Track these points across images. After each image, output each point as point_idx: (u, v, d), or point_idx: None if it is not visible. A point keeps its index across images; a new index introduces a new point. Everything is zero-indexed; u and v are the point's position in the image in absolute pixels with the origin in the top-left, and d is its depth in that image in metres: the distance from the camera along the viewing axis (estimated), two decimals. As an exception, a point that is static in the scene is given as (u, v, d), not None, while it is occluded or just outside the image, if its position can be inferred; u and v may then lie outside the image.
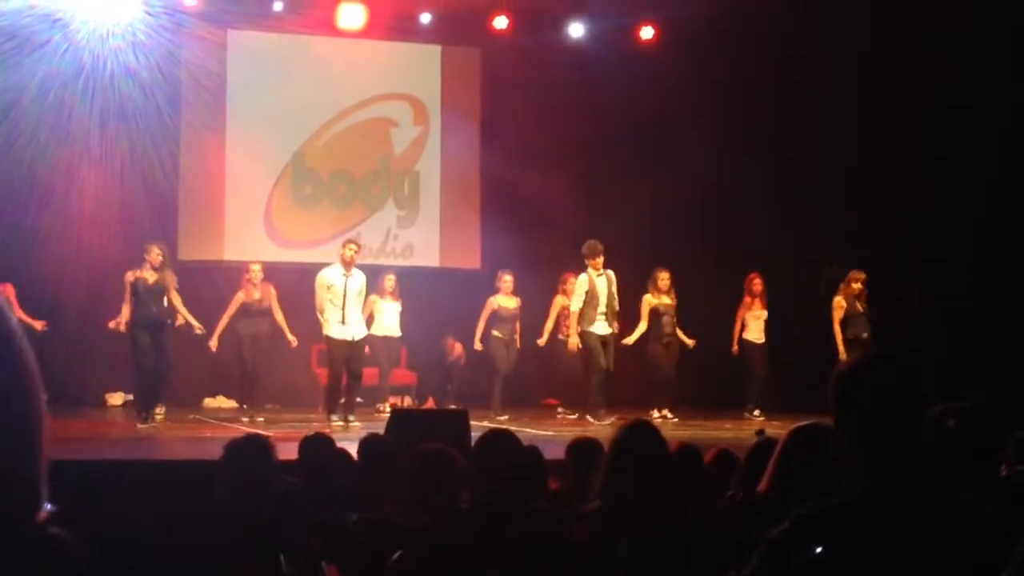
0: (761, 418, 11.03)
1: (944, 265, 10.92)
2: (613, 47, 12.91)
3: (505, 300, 11.45)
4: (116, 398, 11.73)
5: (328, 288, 10.11)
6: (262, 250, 12.02)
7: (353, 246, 10.29)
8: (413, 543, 3.39)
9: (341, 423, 9.76)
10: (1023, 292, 10.41)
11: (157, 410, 10.12)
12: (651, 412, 10.73)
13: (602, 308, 10.48)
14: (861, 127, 11.91)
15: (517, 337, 11.53)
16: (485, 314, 11.45)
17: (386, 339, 11.50)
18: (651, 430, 3.27)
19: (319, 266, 10.60)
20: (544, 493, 3.96)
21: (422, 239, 13.31)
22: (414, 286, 12.23)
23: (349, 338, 10.08)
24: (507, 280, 11.45)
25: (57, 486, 1.36)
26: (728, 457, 4.11)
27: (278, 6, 12.41)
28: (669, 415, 10.89)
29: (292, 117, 12.99)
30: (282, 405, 11.58)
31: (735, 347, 11.50)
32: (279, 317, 10.71)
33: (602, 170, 13.22)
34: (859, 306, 10.55)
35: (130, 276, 9.89)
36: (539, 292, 11.54)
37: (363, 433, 5.72)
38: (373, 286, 11.10)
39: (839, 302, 10.53)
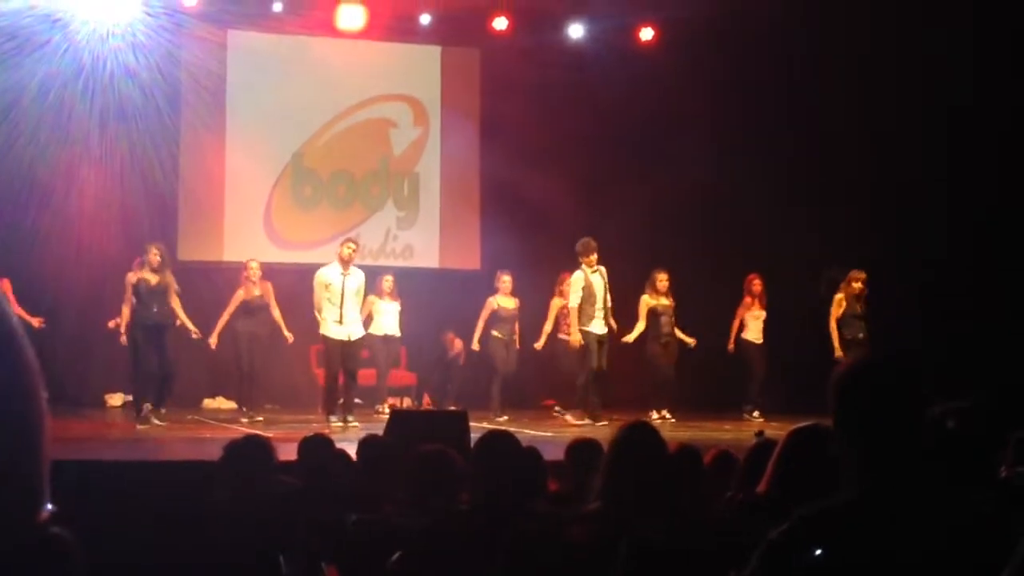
0: (760, 419, 11.05)
1: (944, 265, 10.92)
2: (613, 48, 12.91)
3: (504, 300, 11.45)
4: (115, 399, 11.73)
5: (326, 287, 10.11)
6: (262, 251, 12.02)
7: (351, 244, 10.28)
8: (412, 544, 3.39)
9: (340, 424, 9.75)
10: (1023, 292, 10.41)
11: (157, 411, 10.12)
12: (650, 413, 10.74)
13: (599, 305, 10.48)
14: (861, 127, 11.91)
15: (516, 338, 11.52)
16: (484, 314, 11.43)
17: (385, 339, 11.50)
18: (650, 431, 3.27)
19: (318, 267, 10.59)
20: (543, 494, 3.96)
21: (422, 240, 13.30)
22: (414, 287, 12.24)
23: (345, 337, 10.07)
24: (506, 281, 11.44)
25: (57, 487, 1.36)
26: (728, 458, 4.11)
27: (278, 7, 12.41)
28: (668, 416, 10.89)
29: (292, 118, 12.99)
30: (281, 406, 11.58)
31: (731, 345, 11.51)
32: (276, 314, 10.71)
33: (602, 171, 13.22)
34: (858, 307, 10.56)
35: (132, 277, 9.88)
36: (538, 293, 11.54)
37: (362, 434, 5.72)
38: (372, 287, 11.10)
39: (839, 300, 10.55)
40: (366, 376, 11.27)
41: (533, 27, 12.94)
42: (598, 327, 10.48)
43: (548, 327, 11.35)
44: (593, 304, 10.46)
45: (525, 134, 12.62)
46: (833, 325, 10.53)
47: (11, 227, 11.11)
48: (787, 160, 12.42)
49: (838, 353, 10.37)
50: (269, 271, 11.08)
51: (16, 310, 9.38)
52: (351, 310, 10.17)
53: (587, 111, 13.00)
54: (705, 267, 12.35)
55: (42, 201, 11.48)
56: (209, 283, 11.64)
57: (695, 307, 11.54)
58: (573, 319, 10.47)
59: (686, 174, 12.03)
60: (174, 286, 9.98)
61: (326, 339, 10.17)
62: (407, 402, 12.18)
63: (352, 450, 5.10)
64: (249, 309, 10.67)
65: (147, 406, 9.86)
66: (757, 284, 11.58)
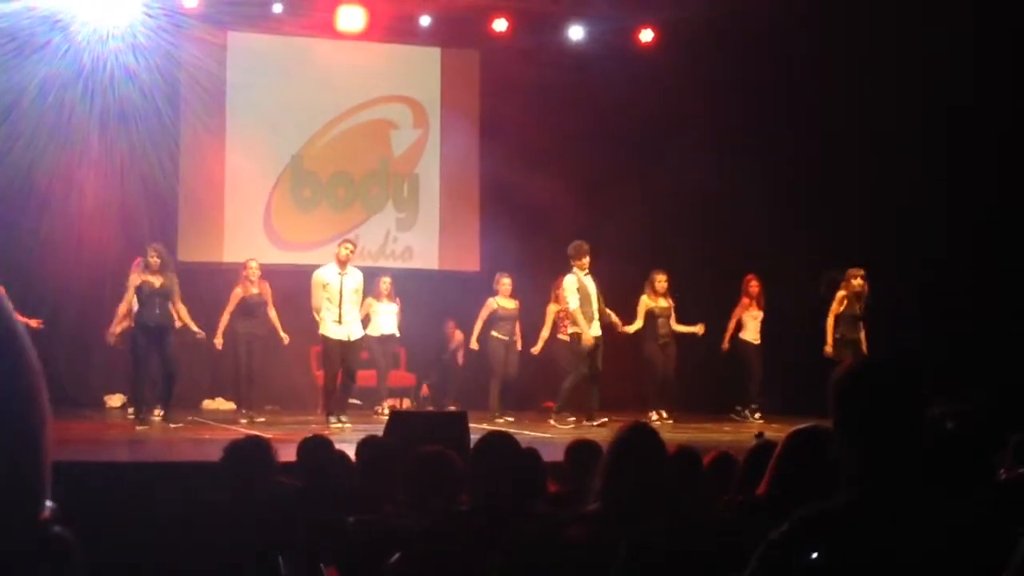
0: (760, 420, 11.05)
1: (944, 265, 10.91)
2: (612, 49, 12.90)
3: (505, 301, 11.45)
4: (115, 399, 11.72)
5: (324, 287, 10.13)
6: (261, 252, 12.01)
7: (349, 245, 10.31)
8: (412, 545, 3.39)
9: (339, 424, 9.76)
10: (1023, 292, 10.40)
11: (156, 412, 10.13)
12: (649, 414, 10.74)
13: (594, 307, 10.50)
14: (861, 127, 11.91)
15: (516, 339, 11.52)
16: (483, 314, 11.43)
17: (383, 341, 11.50)
18: (650, 432, 3.27)
19: (318, 268, 10.60)
20: (543, 495, 3.96)
21: (421, 241, 13.30)
22: (413, 288, 12.24)
23: (345, 337, 10.09)
24: (505, 283, 11.44)
25: (56, 488, 1.36)
26: (727, 459, 4.10)
27: (278, 8, 12.40)
28: (666, 417, 10.88)
29: (292, 119, 13.00)
30: (281, 407, 11.58)
31: (726, 344, 11.52)
32: (272, 315, 10.72)
33: (601, 172, 13.22)
34: (857, 307, 10.57)
35: (135, 279, 9.86)
36: (538, 294, 11.53)
37: (359, 435, 5.72)
38: (370, 288, 11.10)
39: (840, 297, 10.57)
40: (365, 377, 11.28)
41: (533, 28, 12.94)
42: (595, 329, 10.49)
43: (545, 333, 11.35)
44: (589, 305, 10.47)
45: (525, 135, 12.62)
46: (830, 322, 10.55)
47: (11, 228, 11.10)
48: (787, 160, 12.41)
49: (828, 350, 10.39)
50: (269, 272, 11.08)
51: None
52: (350, 310, 10.18)
53: (587, 112, 13.00)
54: (705, 267, 12.35)
55: (42, 202, 11.48)
56: (209, 284, 11.64)
57: (695, 307, 11.54)
58: (579, 319, 10.46)
59: (686, 174, 12.03)
60: (177, 291, 9.96)
61: (325, 339, 10.18)
62: (406, 403, 12.19)
63: (351, 451, 5.10)
64: (247, 308, 10.67)
65: (156, 411, 9.97)
66: (755, 285, 11.58)
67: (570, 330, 10.60)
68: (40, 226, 11.41)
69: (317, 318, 10.21)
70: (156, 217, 11.91)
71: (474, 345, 11.52)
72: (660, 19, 12.85)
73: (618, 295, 11.00)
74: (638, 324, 11.17)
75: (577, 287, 10.46)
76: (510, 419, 10.71)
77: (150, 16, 11.43)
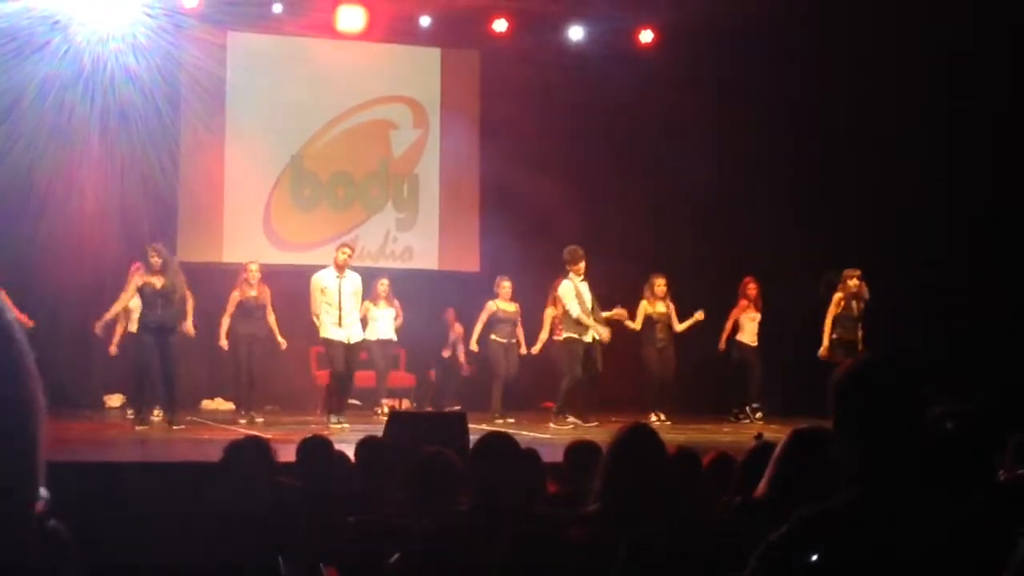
0: (760, 421, 11.05)
1: (944, 265, 10.91)
2: (612, 50, 12.90)
3: (504, 304, 11.46)
4: (115, 399, 11.72)
5: (322, 291, 10.17)
6: (261, 252, 12.02)
7: (347, 250, 10.34)
8: (411, 545, 3.38)
9: (339, 424, 9.77)
10: (1023, 292, 10.40)
11: (156, 412, 10.14)
12: (648, 415, 10.75)
13: (590, 310, 10.51)
14: (861, 127, 11.91)
15: (515, 341, 11.52)
16: (483, 317, 11.45)
17: (381, 344, 11.50)
18: (650, 433, 3.26)
19: (318, 268, 10.61)
20: (542, 496, 3.96)
21: (421, 241, 13.30)
22: (413, 288, 12.24)
23: (345, 340, 10.12)
24: (506, 286, 11.45)
25: (56, 488, 1.37)
26: (726, 460, 4.10)
27: (278, 8, 12.41)
28: (664, 419, 10.88)
29: (292, 119, 13.00)
30: (281, 407, 11.59)
31: (722, 345, 11.52)
32: (271, 318, 10.72)
33: (602, 172, 13.22)
34: (854, 307, 10.56)
35: (138, 280, 9.84)
36: (538, 294, 11.52)
37: (360, 435, 5.72)
38: (368, 290, 11.09)
39: (838, 300, 10.57)
40: (365, 378, 11.29)
41: (533, 29, 12.94)
42: (590, 334, 10.51)
43: (544, 335, 11.36)
44: (587, 311, 10.50)
45: (525, 136, 12.62)
46: (827, 324, 10.55)
47: (11, 228, 11.10)
48: (787, 160, 12.41)
49: (823, 352, 10.39)
50: (268, 272, 11.07)
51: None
52: (350, 312, 10.21)
53: (587, 113, 13.00)
54: (705, 268, 12.35)
55: (42, 202, 11.46)
56: (209, 284, 11.63)
57: (695, 308, 11.52)
58: (588, 321, 10.48)
59: (686, 174, 12.03)
60: (181, 291, 9.92)
61: (327, 341, 10.21)
62: (405, 403, 12.19)
63: (351, 451, 5.10)
64: (245, 311, 10.68)
65: (156, 411, 9.98)
66: (753, 287, 11.59)
67: (564, 334, 10.62)
68: (40, 226, 11.40)
69: (317, 323, 10.23)
70: (156, 217, 11.90)
71: (474, 346, 11.54)
72: (660, 19, 12.85)
73: (618, 295, 11.00)
74: (636, 325, 11.20)
75: (575, 293, 10.46)
76: (510, 420, 10.71)
77: (150, 16, 11.42)
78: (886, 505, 2.00)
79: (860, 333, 10.59)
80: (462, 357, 12.20)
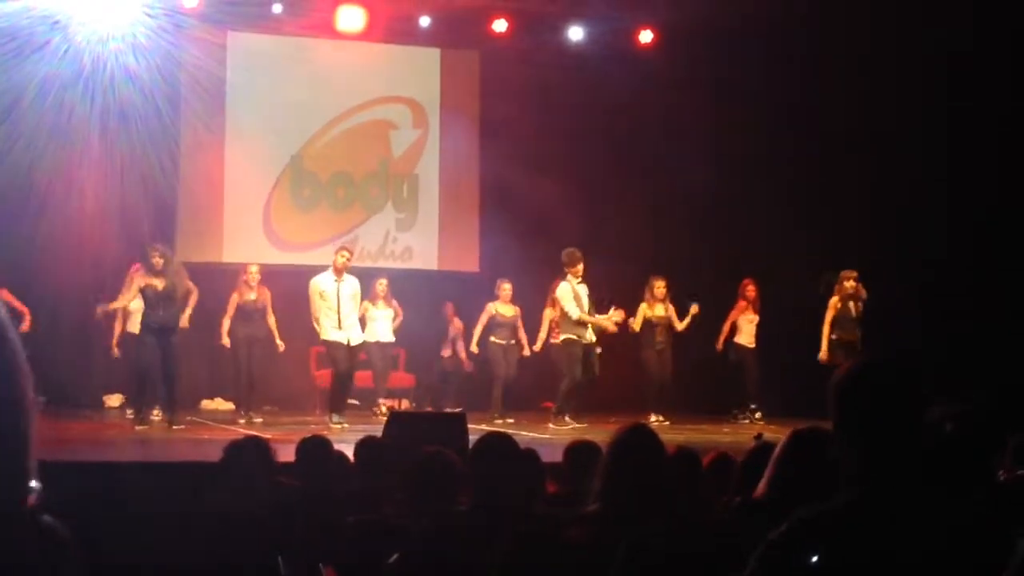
0: (760, 421, 11.05)
1: (944, 265, 10.91)
2: (612, 50, 12.90)
3: (504, 307, 11.47)
4: (115, 399, 11.72)
5: (321, 294, 10.21)
6: (261, 252, 12.02)
7: (346, 253, 10.37)
8: (411, 545, 3.38)
9: (339, 424, 9.78)
10: (1023, 292, 10.40)
11: (155, 412, 10.14)
12: (647, 416, 10.75)
13: (588, 311, 10.52)
14: (861, 127, 11.91)
15: (515, 343, 11.54)
16: (483, 319, 11.49)
17: (380, 345, 11.51)
18: (649, 433, 3.26)
19: (318, 268, 10.63)
20: (542, 496, 3.96)
21: (421, 242, 13.30)
22: (413, 289, 12.24)
23: (345, 341, 10.15)
24: (506, 289, 11.47)
25: (55, 488, 1.37)
26: (726, 461, 4.10)
27: (278, 8, 12.40)
28: (662, 420, 10.88)
29: (291, 119, 13.00)
30: (280, 407, 11.58)
31: (719, 345, 11.52)
32: (271, 320, 10.73)
33: (601, 173, 13.22)
34: (852, 308, 10.56)
35: (140, 282, 9.84)
36: (538, 294, 11.53)
37: (359, 435, 5.72)
38: (366, 291, 11.10)
39: (834, 302, 10.57)
40: (363, 378, 11.30)
41: (532, 29, 12.94)
42: (589, 334, 10.52)
43: (543, 335, 11.38)
44: (584, 312, 10.51)
45: (524, 136, 12.62)
46: (825, 327, 10.54)
47: (11, 228, 11.09)
48: (787, 160, 12.41)
49: (823, 356, 10.37)
50: (268, 272, 11.08)
51: (18, 305, 9.37)
52: (349, 315, 10.26)
53: (587, 113, 13.00)
54: (704, 268, 12.35)
55: (42, 202, 11.46)
56: (208, 284, 11.62)
57: (692, 306, 11.53)
58: (590, 321, 10.48)
59: (686, 176, 12.03)
60: (182, 290, 9.92)
61: (328, 343, 10.25)
62: (404, 404, 12.19)
63: (350, 451, 5.10)
64: (245, 314, 10.69)
65: (156, 411, 9.99)
66: (751, 289, 11.60)
67: (562, 336, 10.63)
68: (40, 226, 11.39)
69: (317, 327, 10.25)
70: (156, 217, 11.90)
71: (474, 348, 11.57)
72: (660, 20, 12.85)
73: (617, 296, 10.99)
74: (636, 326, 11.21)
75: (573, 296, 10.47)
76: (510, 420, 10.71)
77: (150, 16, 11.42)
78: (886, 505, 2.00)
79: (859, 334, 10.58)
80: (463, 354, 12.21)
